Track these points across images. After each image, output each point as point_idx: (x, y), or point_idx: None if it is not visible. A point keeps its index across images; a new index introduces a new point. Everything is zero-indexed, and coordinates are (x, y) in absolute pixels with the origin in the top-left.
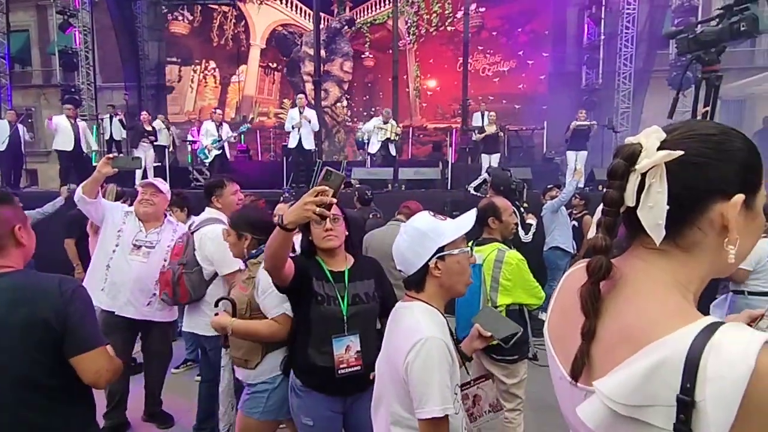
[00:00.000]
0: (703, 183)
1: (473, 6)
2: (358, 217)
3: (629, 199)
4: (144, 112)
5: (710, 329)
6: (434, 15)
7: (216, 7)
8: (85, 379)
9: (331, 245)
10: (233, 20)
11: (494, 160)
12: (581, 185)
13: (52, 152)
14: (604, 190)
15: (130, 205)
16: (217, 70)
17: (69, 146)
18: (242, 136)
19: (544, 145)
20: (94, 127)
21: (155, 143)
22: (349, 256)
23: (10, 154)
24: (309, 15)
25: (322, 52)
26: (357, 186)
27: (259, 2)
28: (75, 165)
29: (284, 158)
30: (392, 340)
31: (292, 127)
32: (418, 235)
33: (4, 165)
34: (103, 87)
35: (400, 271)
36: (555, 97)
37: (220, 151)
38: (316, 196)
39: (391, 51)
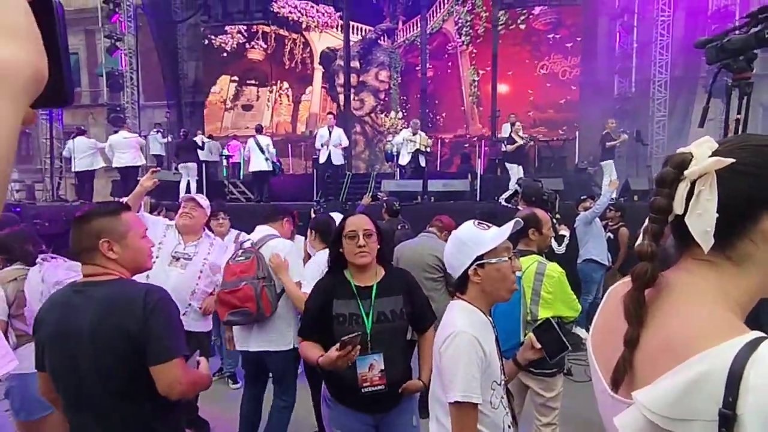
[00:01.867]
0: (755, 193)
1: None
2: (387, 229)
3: (678, 207)
4: (183, 130)
5: (755, 343)
6: (501, 13)
7: (286, 35)
8: (159, 389)
9: (363, 262)
10: (301, 46)
11: (521, 170)
12: (615, 196)
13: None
14: (652, 198)
15: (165, 216)
16: (289, 90)
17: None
18: (275, 150)
19: (576, 156)
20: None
21: (201, 159)
22: (380, 270)
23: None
24: (359, 30)
25: (357, 63)
26: (385, 198)
27: (320, 31)
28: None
29: (314, 171)
30: (437, 337)
31: (321, 145)
32: (460, 244)
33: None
34: (146, 105)
35: (447, 274)
36: (586, 106)
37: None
38: (341, 349)
39: (446, 56)
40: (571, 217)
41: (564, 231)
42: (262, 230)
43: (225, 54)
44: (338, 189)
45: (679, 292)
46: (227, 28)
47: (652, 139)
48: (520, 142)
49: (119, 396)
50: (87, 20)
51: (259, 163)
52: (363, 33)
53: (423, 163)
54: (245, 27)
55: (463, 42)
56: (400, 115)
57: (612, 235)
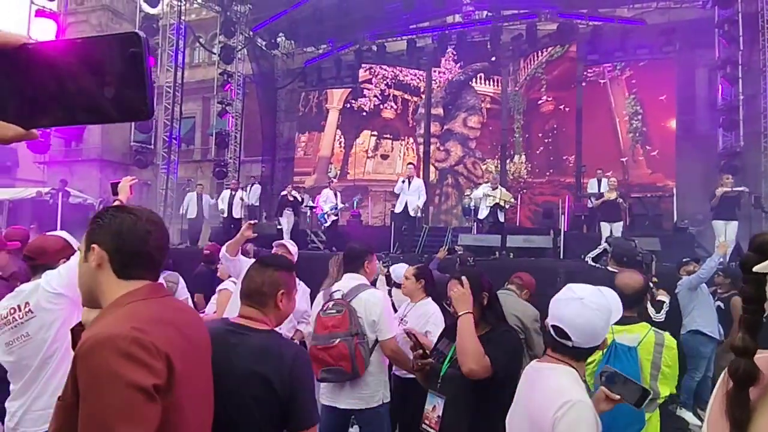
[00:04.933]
0: None
1: None
2: None
3: None
4: (288, 186)
5: None
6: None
7: (409, 98)
8: None
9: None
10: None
11: (616, 228)
12: (725, 260)
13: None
14: (740, 284)
15: None
16: (414, 144)
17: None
18: (355, 202)
19: (674, 214)
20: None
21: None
22: (488, 326)
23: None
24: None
25: (441, 110)
26: (459, 252)
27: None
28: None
29: (392, 223)
30: (534, 399)
31: (398, 195)
32: (608, 312)
33: (193, 229)
34: (245, 161)
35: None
36: (685, 161)
37: (337, 216)
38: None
39: (574, 86)
40: (670, 281)
41: (663, 297)
42: (351, 279)
43: (364, 113)
44: (414, 241)
45: None
46: (365, 91)
47: (767, 198)
48: (610, 196)
49: None
50: (205, 89)
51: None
52: (451, 75)
53: (502, 219)
54: (380, 91)
55: (615, 66)
56: (523, 158)
57: (722, 305)
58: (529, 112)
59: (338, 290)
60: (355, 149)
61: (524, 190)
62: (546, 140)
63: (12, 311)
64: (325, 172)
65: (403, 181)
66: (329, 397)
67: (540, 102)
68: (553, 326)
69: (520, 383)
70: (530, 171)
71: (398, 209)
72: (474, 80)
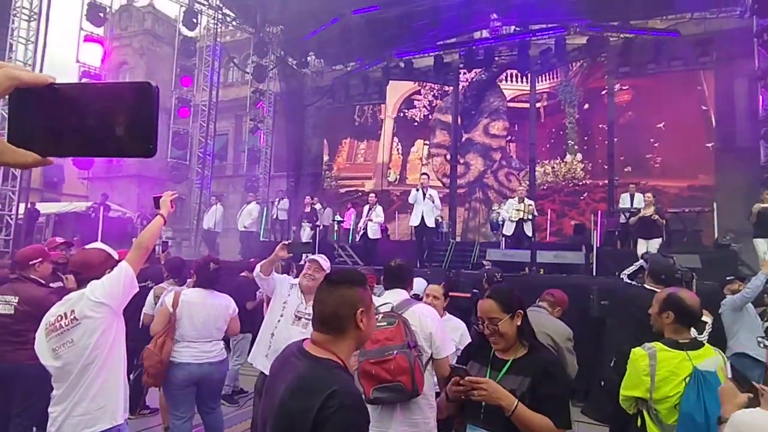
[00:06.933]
0: None
1: None
2: None
3: None
4: (308, 197)
5: None
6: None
7: None
8: None
9: (497, 348)
10: None
11: (652, 245)
12: None
13: (231, 228)
14: None
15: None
16: (429, 154)
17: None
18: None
19: (714, 230)
20: (264, 208)
21: (316, 223)
22: (524, 347)
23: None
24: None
25: (459, 118)
26: (487, 268)
27: None
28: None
29: (420, 237)
30: None
31: (413, 204)
32: None
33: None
34: (274, 176)
35: None
36: (725, 175)
37: (363, 231)
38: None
39: (652, 69)
40: (713, 300)
41: (706, 317)
42: (396, 294)
43: (416, 123)
44: (440, 257)
45: None
46: (415, 102)
47: None
48: (647, 212)
49: None
50: (238, 107)
51: None
52: (474, 75)
53: (529, 233)
54: (428, 102)
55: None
56: (579, 157)
57: None
58: (587, 103)
59: (386, 303)
60: (411, 156)
61: (582, 194)
62: (610, 141)
63: (59, 318)
64: (383, 177)
65: (417, 191)
66: (376, 426)
67: (603, 92)
68: None
69: None
70: (589, 171)
71: (415, 222)
72: (502, 78)
